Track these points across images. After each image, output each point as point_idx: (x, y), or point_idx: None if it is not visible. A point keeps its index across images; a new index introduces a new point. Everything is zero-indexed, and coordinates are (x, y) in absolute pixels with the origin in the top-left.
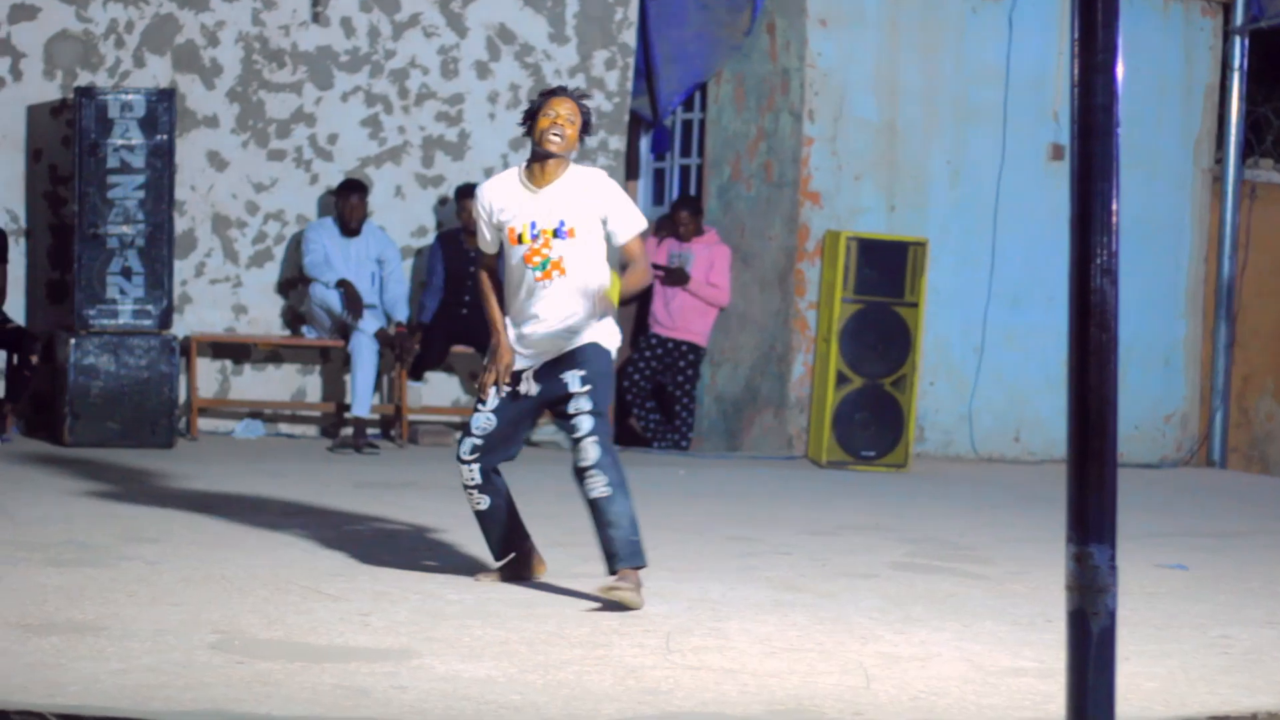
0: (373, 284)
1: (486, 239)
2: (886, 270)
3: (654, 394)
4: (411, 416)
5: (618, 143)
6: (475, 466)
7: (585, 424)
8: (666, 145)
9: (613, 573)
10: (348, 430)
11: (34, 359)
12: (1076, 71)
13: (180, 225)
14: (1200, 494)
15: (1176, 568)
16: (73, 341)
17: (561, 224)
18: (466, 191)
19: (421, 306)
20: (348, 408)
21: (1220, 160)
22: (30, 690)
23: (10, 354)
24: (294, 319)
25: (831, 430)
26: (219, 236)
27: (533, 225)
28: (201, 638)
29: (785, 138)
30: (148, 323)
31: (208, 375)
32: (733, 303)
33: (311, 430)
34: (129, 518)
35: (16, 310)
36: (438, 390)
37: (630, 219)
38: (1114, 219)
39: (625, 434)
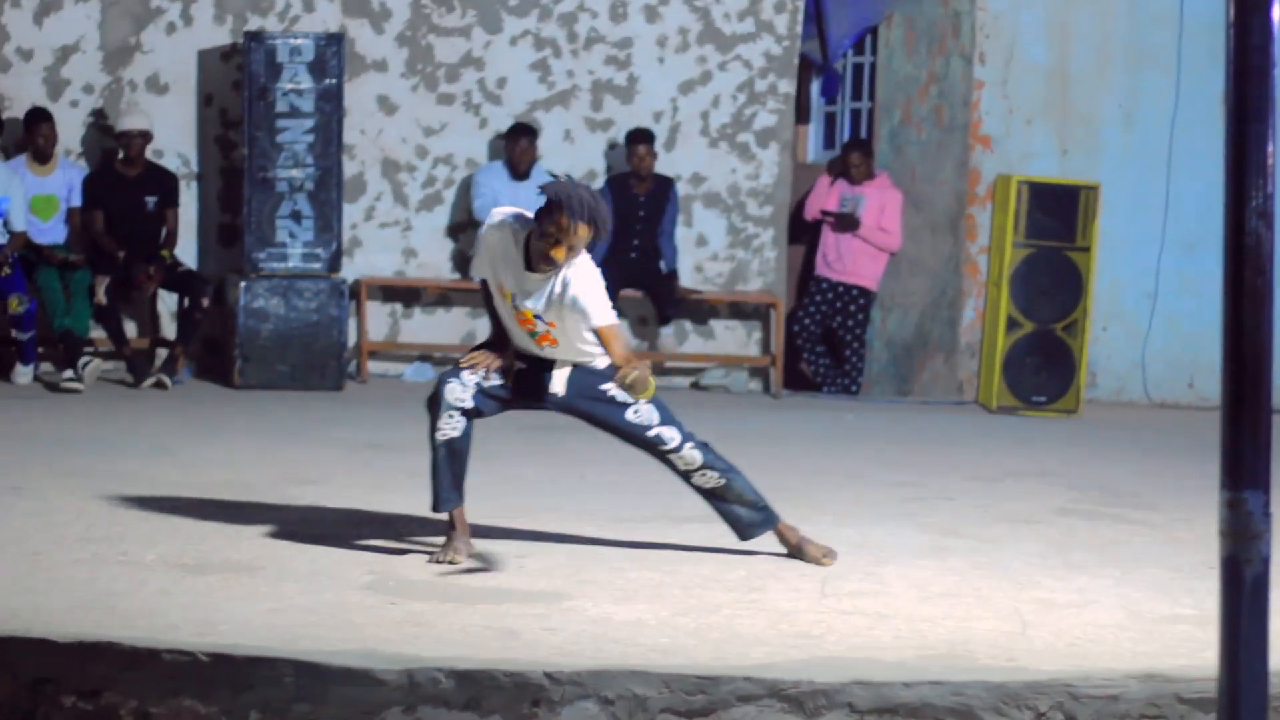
0: None
1: (478, 269)
2: (1058, 215)
3: (824, 338)
4: None
5: (787, 86)
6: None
7: (670, 435)
8: (836, 89)
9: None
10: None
11: (205, 302)
12: (1232, 11)
13: (349, 169)
14: None
15: None
16: (243, 285)
17: (540, 317)
18: (637, 136)
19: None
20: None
21: None
22: (182, 629)
23: (181, 297)
24: (463, 262)
25: (1002, 375)
26: (388, 180)
27: (516, 298)
28: (355, 578)
29: (956, 81)
30: (317, 266)
31: (377, 318)
32: (903, 247)
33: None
34: (294, 460)
35: (188, 254)
36: None
37: (598, 314)
38: (1270, 161)
39: (795, 378)
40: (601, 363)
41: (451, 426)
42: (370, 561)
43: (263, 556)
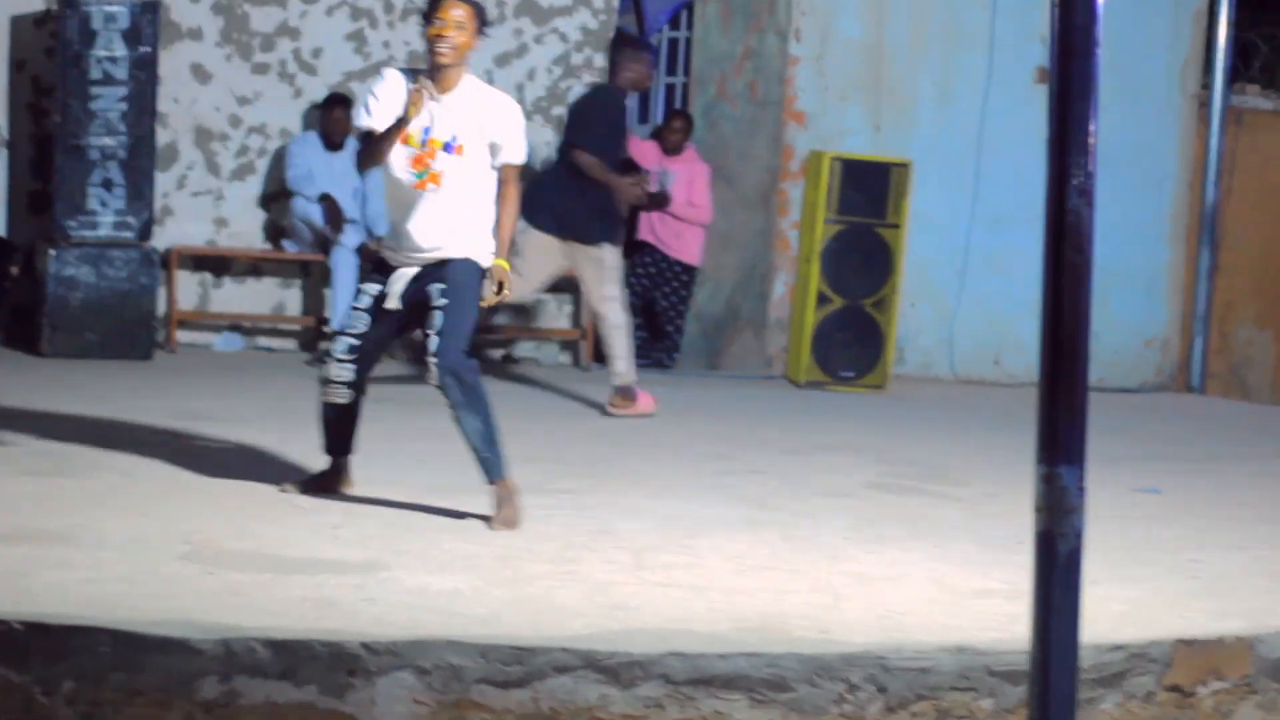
0: (355, 199)
1: (373, 118)
2: (870, 191)
3: (643, 310)
4: None
5: (603, 60)
6: (350, 366)
7: (432, 343)
8: (652, 64)
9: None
10: (327, 344)
11: (14, 270)
12: None
13: (162, 138)
14: (1177, 419)
15: (1150, 492)
16: (52, 253)
17: (453, 139)
18: None
19: None
20: (327, 322)
21: (1207, 86)
22: None
23: None
24: (275, 233)
25: (811, 350)
26: (201, 150)
27: (425, 131)
28: (172, 548)
29: (771, 57)
30: (128, 235)
31: (188, 288)
32: (715, 222)
33: (291, 344)
34: (105, 429)
35: None
36: None
37: (520, 149)
38: (1091, 140)
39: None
40: (454, 243)
41: (338, 395)
42: (186, 532)
43: (77, 526)
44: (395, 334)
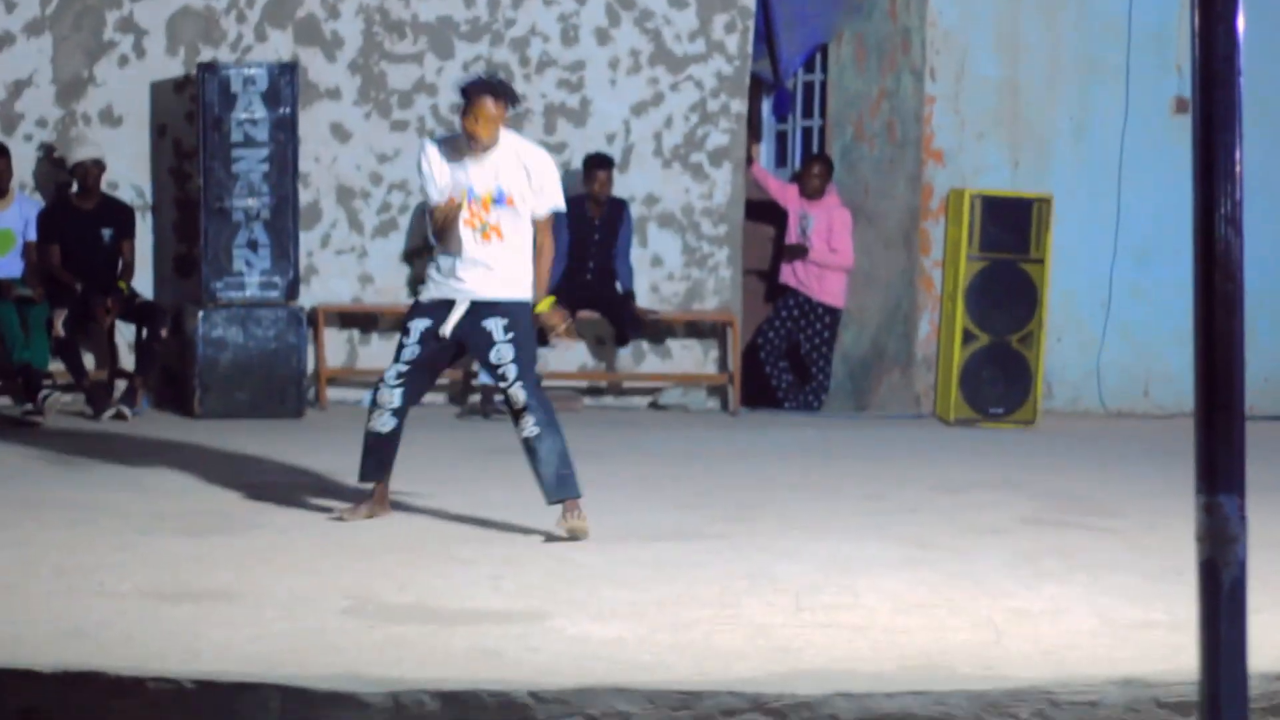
0: None
1: (436, 193)
2: (1011, 227)
3: (788, 353)
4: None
5: (739, 106)
6: (399, 391)
7: (511, 370)
8: (788, 107)
9: (551, 505)
10: (475, 397)
11: (163, 333)
12: (1197, 21)
13: (305, 197)
14: None
15: None
16: (201, 314)
17: (502, 192)
18: (597, 162)
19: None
20: (475, 375)
21: None
22: (166, 658)
23: (139, 328)
24: (419, 288)
25: (959, 388)
26: (343, 207)
27: (469, 192)
28: (334, 603)
29: (907, 97)
30: (274, 294)
31: (335, 345)
32: (858, 263)
33: (440, 398)
34: (260, 487)
35: (145, 285)
36: (563, 355)
37: (558, 197)
38: (1237, 168)
39: (752, 395)
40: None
41: (383, 422)
42: (347, 586)
43: (238, 584)
44: (444, 365)
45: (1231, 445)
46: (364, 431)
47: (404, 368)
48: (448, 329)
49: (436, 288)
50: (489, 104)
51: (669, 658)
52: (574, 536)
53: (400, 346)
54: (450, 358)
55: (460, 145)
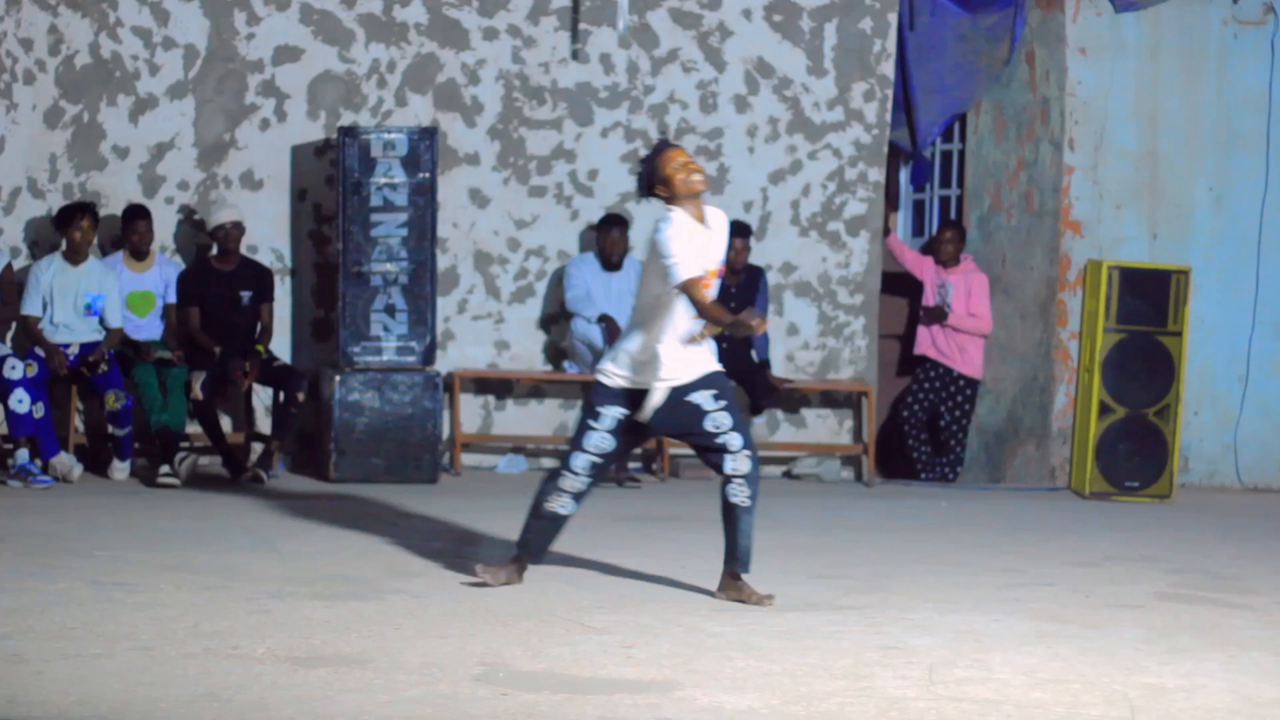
0: None
1: (692, 262)
2: (1149, 299)
3: (928, 424)
4: (673, 450)
5: (877, 175)
6: (587, 481)
7: (736, 440)
8: (926, 176)
9: (729, 573)
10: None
11: (300, 396)
12: None
13: (443, 262)
14: None
15: None
16: (338, 379)
17: (718, 263)
18: (735, 230)
19: None
20: None
21: None
22: None
23: (276, 391)
24: (555, 354)
25: (1095, 461)
26: (481, 273)
27: (704, 269)
28: (467, 670)
29: (1045, 167)
30: (411, 359)
31: (471, 411)
32: (994, 333)
33: None
34: (394, 552)
35: (283, 348)
36: None
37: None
38: None
39: (886, 466)
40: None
41: (563, 506)
42: (479, 653)
43: (371, 649)
44: (628, 450)
45: None
46: (536, 503)
47: (596, 460)
48: (647, 414)
49: (636, 373)
50: (680, 153)
51: None
52: (760, 604)
53: (587, 430)
54: (637, 440)
55: (689, 220)
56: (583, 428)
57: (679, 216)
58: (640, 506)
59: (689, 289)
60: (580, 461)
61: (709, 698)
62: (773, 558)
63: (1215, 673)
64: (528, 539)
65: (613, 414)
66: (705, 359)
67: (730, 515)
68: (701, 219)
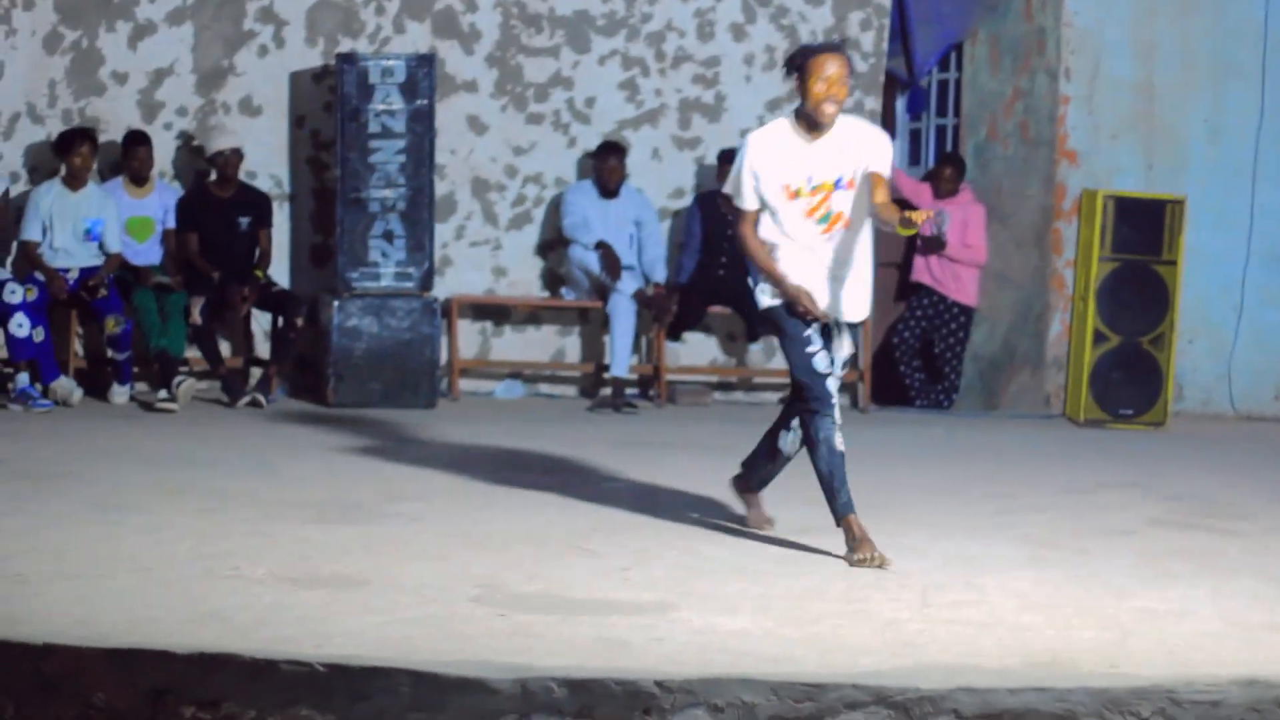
0: (631, 245)
1: (747, 196)
2: (1144, 229)
3: (921, 352)
4: (670, 376)
5: (873, 103)
6: (837, 405)
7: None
8: (922, 105)
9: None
10: (606, 390)
11: (298, 322)
12: None
13: (440, 189)
14: None
15: None
16: (336, 304)
17: (840, 178)
18: (729, 156)
19: (679, 267)
20: (606, 368)
21: None
22: (298, 642)
23: (275, 317)
24: (553, 281)
25: (1089, 388)
26: (479, 200)
27: (810, 179)
28: (464, 591)
29: (1041, 97)
30: (409, 285)
31: (468, 337)
32: (990, 262)
33: (571, 390)
34: (391, 476)
35: (281, 274)
36: (695, 350)
37: (886, 156)
38: None
39: (882, 392)
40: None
41: (840, 442)
42: (477, 575)
43: (369, 570)
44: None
45: None
46: (827, 460)
47: (837, 378)
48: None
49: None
50: (836, 66)
51: (794, 651)
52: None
53: (808, 354)
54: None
55: (787, 131)
56: (803, 353)
57: (764, 134)
58: (637, 432)
59: (739, 221)
60: (827, 386)
61: (703, 619)
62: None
63: (1205, 598)
64: (843, 491)
65: (813, 331)
66: (857, 284)
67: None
68: (820, 134)
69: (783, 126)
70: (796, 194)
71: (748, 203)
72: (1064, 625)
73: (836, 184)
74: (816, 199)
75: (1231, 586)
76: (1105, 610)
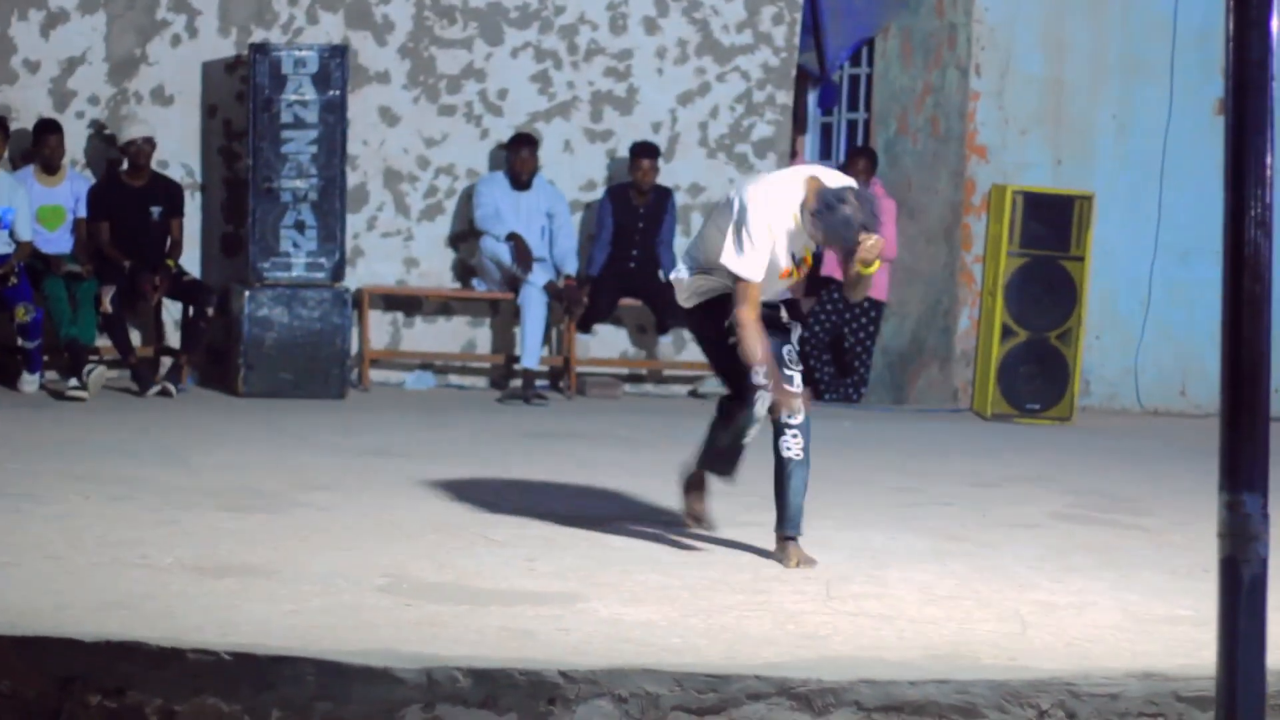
0: (542, 237)
1: (757, 269)
2: (1052, 224)
3: (831, 345)
4: (580, 368)
5: (785, 98)
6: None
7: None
8: (833, 100)
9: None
10: (517, 382)
11: (209, 311)
12: (1231, 26)
13: (352, 180)
14: None
15: None
16: (247, 294)
17: (819, 248)
18: (643, 150)
19: (590, 260)
20: (517, 359)
21: None
22: (205, 630)
23: (186, 306)
24: (464, 272)
25: (996, 383)
26: (390, 191)
27: (794, 256)
28: (371, 581)
29: (952, 93)
30: (320, 275)
31: (379, 327)
32: (899, 257)
33: (481, 381)
34: (301, 466)
35: (192, 263)
36: (606, 342)
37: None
38: (1268, 173)
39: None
40: None
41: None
42: (384, 565)
43: (278, 560)
44: None
45: (1256, 444)
46: (732, 441)
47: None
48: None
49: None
50: (873, 240)
51: (699, 642)
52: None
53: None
54: None
55: (794, 213)
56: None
57: (782, 217)
58: (547, 424)
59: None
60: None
61: (610, 610)
62: (676, 475)
63: (1106, 591)
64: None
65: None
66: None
67: (781, 471)
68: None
69: (791, 211)
70: (789, 274)
71: (757, 274)
72: (965, 618)
73: (815, 253)
74: (799, 264)
75: (1132, 580)
76: (1006, 603)
